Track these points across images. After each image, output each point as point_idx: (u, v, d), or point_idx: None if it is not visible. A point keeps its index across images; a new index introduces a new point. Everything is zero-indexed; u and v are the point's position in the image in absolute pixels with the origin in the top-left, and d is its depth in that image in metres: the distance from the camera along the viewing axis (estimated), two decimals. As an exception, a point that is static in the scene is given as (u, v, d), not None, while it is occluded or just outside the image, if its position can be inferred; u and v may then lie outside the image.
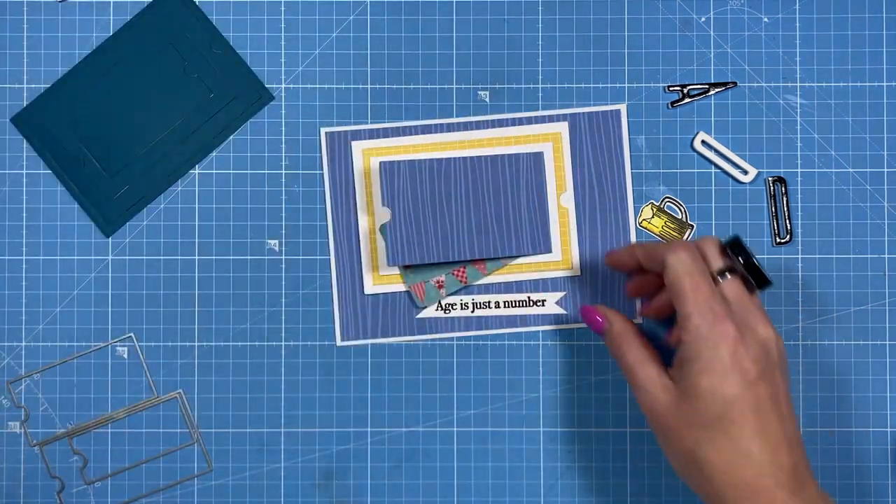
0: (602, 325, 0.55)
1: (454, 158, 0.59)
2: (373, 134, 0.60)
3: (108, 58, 0.60)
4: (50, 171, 0.60)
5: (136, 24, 0.60)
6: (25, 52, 0.60)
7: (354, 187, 0.60)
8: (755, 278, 0.51)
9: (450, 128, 0.60)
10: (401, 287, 0.60)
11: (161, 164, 0.60)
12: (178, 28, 0.60)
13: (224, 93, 0.60)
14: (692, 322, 0.49)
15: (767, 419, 0.48)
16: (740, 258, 0.51)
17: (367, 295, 0.60)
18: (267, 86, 0.60)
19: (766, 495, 0.47)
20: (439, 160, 0.59)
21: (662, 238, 0.60)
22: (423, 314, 0.60)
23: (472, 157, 0.59)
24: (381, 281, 0.60)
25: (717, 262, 0.51)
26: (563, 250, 0.60)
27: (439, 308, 0.60)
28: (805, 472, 0.49)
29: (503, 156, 0.59)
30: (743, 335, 0.49)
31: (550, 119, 0.60)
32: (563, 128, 0.60)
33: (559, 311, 0.60)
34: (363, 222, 0.60)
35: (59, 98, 0.60)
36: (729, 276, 0.51)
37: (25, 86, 0.60)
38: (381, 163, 0.59)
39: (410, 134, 0.60)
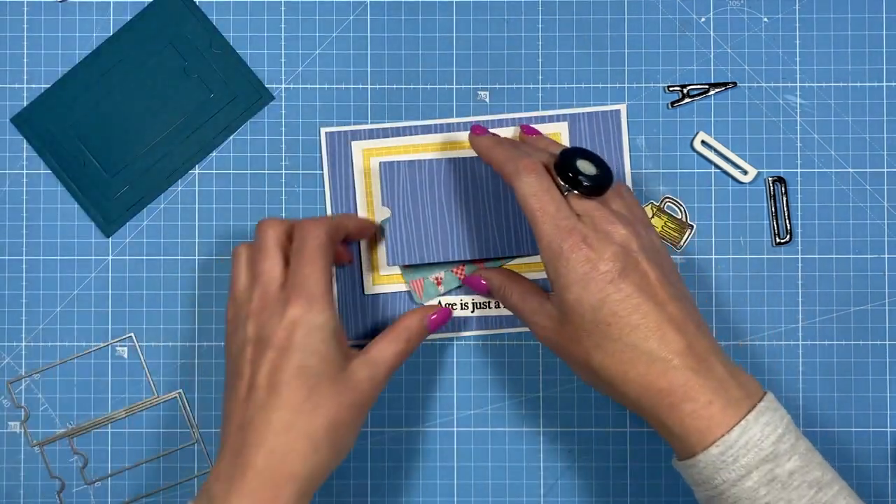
0: (486, 286, 0.57)
1: (454, 159, 0.59)
2: (372, 134, 0.60)
3: (108, 58, 0.60)
4: (50, 171, 0.60)
5: (136, 24, 0.60)
6: (25, 52, 0.60)
7: (355, 187, 0.60)
8: (591, 184, 0.50)
9: (450, 128, 0.60)
10: (401, 287, 0.60)
11: (161, 164, 0.60)
12: (178, 28, 0.60)
13: (224, 93, 0.60)
14: (543, 242, 0.50)
15: (643, 310, 0.48)
16: (570, 173, 0.51)
17: (367, 295, 0.60)
18: (267, 86, 0.60)
19: (663, 380, 0.48)
20: (439, 160, 0.59)
21: (662, 238, 0.60)
22: (423, 314, 0.60)
23: (472, 158, 0.59)
24: (381, 281, 0.60)
25: (558, 179, 0.51)
26: (563, 250, 0.60)
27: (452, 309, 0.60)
28: (705, 349, 0.49)
29: (503, 156, 0.59)
30: (592, 242, 0.49)
31: (550, 119, 0.60)
32: (562, 128, 0.60)
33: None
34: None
35: (59, 98, 0.60)
36: (569, 192, 0.51)
37: (25, 86, 0.60)
38: (380, 163, 0.59)
39: (410, 134, 0.60)
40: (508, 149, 0.53)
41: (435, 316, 0.56)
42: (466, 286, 0.58)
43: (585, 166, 0.51)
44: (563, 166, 0.51)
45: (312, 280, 0.51)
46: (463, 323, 0.60)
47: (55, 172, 0.60)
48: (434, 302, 0.60)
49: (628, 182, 0.60)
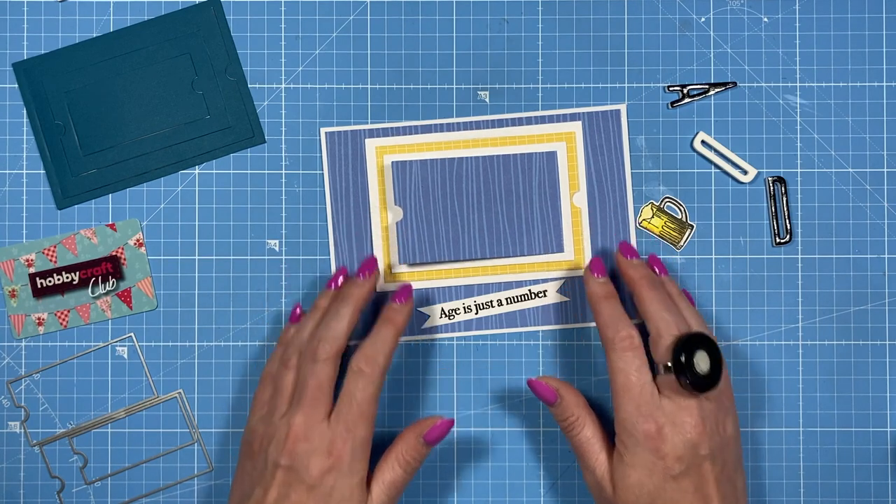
0: (554, 397, 0.55)
1: (466, 158, 0.59)
2: (372, 133, 0.60)
3: (126, 42, 0.60)
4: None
5: (165, 21, 0.60)
6: (25, 52, 0.60)
7: (359, 186, 0.60)
8: (693, 382, 0.52)
9: (450, 127, 0.60)
10: (413, 285, 0.60)
11: (134, 161, 0.60)
12: (202, 42, 0.60)
13: (220, 119, 0.60)
14: (620, 415, 0.53)
15: None
16: (683, 358, 0.52)
17: (378, 293, 0.60)
18: (267, 86, 0.60)
19: None
20: (451, 159, 0.59)
21: (662, 238, 0.60)
22: (424, 314, 0.60)
23: (484, 157, 0.59)
24: (393, 279, 0.60)
25: (662, 356, 0.53)
26: (576, 250, 0.60)
27: (443, 315, 0.60)
28: None
29: (516, 155, 0.59)
30: (666, 434, 0.52)
31: (551, 119, 0.60)
32: (577, 127, 0.60)
33: (562, 298, 0.60)
34: (377, 219, 0.60)
35: (66, 60, 0.59)
36: (663, 372, 0.53)
37: (25, 86, 0.60)
38: (392, 162, 0.59)
39: (412, 133, 0.60)
40: (614, 308, 0.55)
41: (430, 430, 0.55)
42: (529, 386, 0.56)
43: (701, 361, 0.52)
44: (679, 351, 0.52)
45: (360, 433, 0.53)
46: (463, 323, 0.60)
47: (33, 129, 0.60)
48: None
49: (628, 182, 0.60)
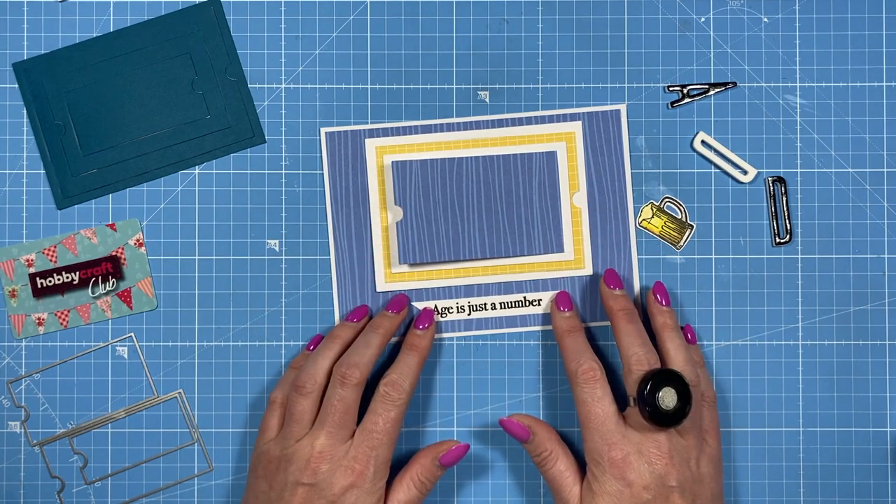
0: (527, 434, 0.56)
1: (466, 158, 0.59)
2: (372, 133, 0.60)
3: (126, 42, 0.60)
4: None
5: (165, 21, 0.60)
6: (25, 52, 0.60)
7: (359, 186, 0.60)
8: (654, 416, 0.52)
9: (450, 127, 0.60)
10: (412, 286, 0.60)
11: (135, 161, 0.60)
12: (201, 42, 0.60)
13: (221, 119, 0.60)
14: (587, 446, 0.54)
15: None
16: (647, 393, 0.52)
17: (379, 293, 0.60)
18: (267, 86, 0.60)
19: None
20: (451, 159, 0.59)
21: (662, 238, 0.60)
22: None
23: (484, 157, 0.59)
24: (393, 279, 0.60)
25: (630, 389, 0.54)
26: (576, 250, 0.60)
27: (436, 313, 0.60)
28: None
29: (516, 155, 0.59)
30: (632, 462, 0.52)
31: (551, 119, 0.60)
32: (577, 127, 0.60)
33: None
34: (377, 219, 0.60)
35: (66, 60, 0.59)
36: (632, 404, 0.53)
37: (25, 86, 0.60)
38: (392, 162, 0.59)
39: (412, 133, 0.60)
40: (577, 342, 0.56)
41: (447, 453, 0.56)
42: (501, 425, 0.57)
43: (667, 398, 0.52)
44: (644, 386, 0.52)
45: (382, 453, 0.54)
46: (462, 323, 0.60)
47: (33, 129, 0.60)
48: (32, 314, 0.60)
49: (628, 182, 0.60)
